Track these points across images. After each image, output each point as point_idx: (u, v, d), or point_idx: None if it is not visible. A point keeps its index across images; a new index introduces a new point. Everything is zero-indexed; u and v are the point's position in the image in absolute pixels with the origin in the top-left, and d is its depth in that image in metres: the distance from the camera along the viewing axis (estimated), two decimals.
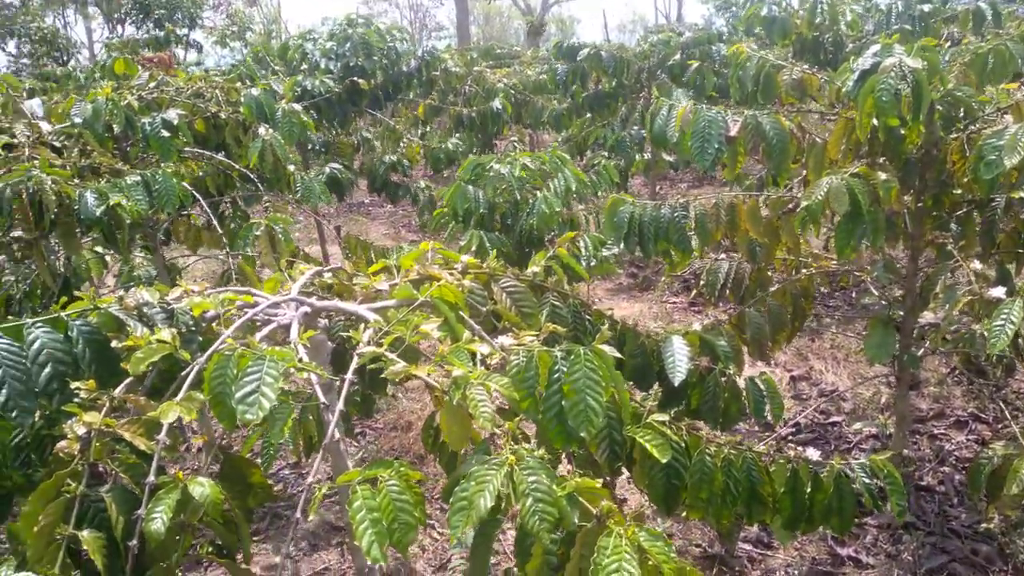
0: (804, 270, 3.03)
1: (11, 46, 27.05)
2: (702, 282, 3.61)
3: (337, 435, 1.68)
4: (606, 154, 6.72)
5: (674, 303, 5.87)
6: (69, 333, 1.66)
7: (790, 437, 3.92)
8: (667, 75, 6.21)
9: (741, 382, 2.52)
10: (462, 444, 1.70)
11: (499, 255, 3.81)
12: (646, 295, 6.10)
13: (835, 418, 4.03)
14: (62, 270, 3.45)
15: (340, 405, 1.66)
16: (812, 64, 5.60)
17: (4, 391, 1.52)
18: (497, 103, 6.58)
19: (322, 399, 1.69)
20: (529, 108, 8.05)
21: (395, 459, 1.49)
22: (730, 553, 3.04)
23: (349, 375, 1.63)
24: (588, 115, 6.99)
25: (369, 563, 2.09)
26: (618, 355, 1.61)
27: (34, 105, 4.35)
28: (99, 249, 3.68)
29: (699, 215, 3.07)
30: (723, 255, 3.72)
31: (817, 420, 4.03)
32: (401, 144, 6.31)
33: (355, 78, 5.06)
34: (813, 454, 1.99)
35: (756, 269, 3.41)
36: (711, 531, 3.13)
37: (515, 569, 1.50)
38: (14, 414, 1.54)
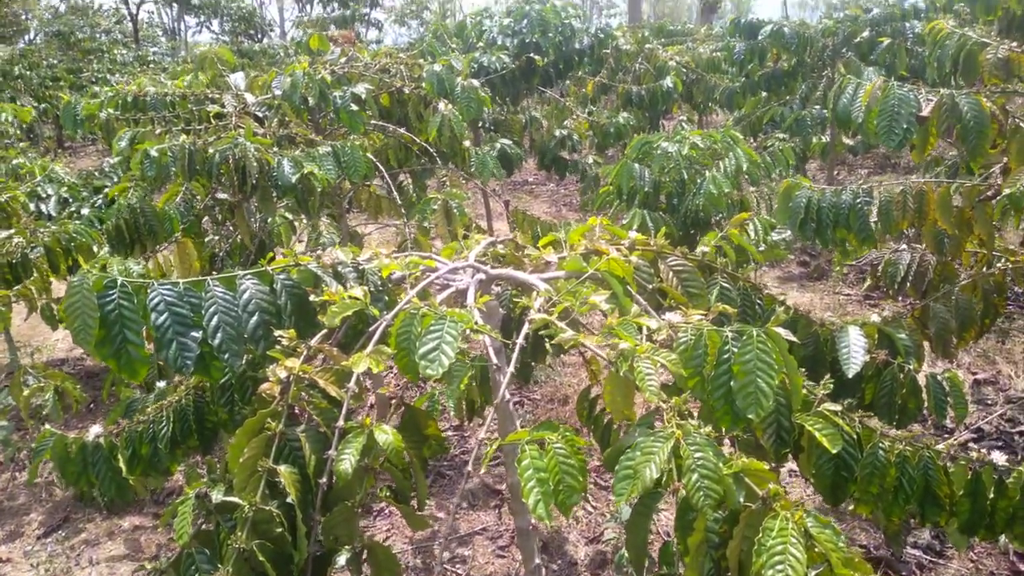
0: (998, 264, 2.80)
1: (215, 25, 29.44)
2: (880, 273, 3.43)
3: (507, 395, 1.75)
4: (781, 135, 6.46)
5: (848, 295, 5.58)
6: (274, 286, 1.83)
7: (971, 444, 3.66)
8: (854, 53, 5.86)
9: (921, 379, 2.39)
10: (622, 416, 1.74)
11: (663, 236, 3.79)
12: (818, 284, 5.84)
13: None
14: (258, 232, 3.76)
15: (511, 368, 1.73)
16: (1021, 43, 5.12)
17: (219, 335, 1.70)
18: (668, 81, 6.47)
19: (494, 360, 1.78)
20: (700, 86, 7.85)
21: (560, 424, 1.55)
22: (897, 557, 2.89)
23: (520, 339, 1.70)
24: (763, 94, 6.73)
25: (533, 521, 2.18)
26: (793, 338, 1.58)
27: (238, 78, 4.75)
28: (288, 215, 3.99)
29: (884, 202, 2.90)
30: (903, 245, 3.51)
31: (1003, 428, 3.73)
32: (568, 121, 6.36)
33: (530, 55, 5.14)
34: (999, 457, 1.86)
35: (942, 262, 3.19)
36: (877, 533, 2.99)
37: (673, 544, 1.52)
38: (226, 356, 1.72)
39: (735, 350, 1.54)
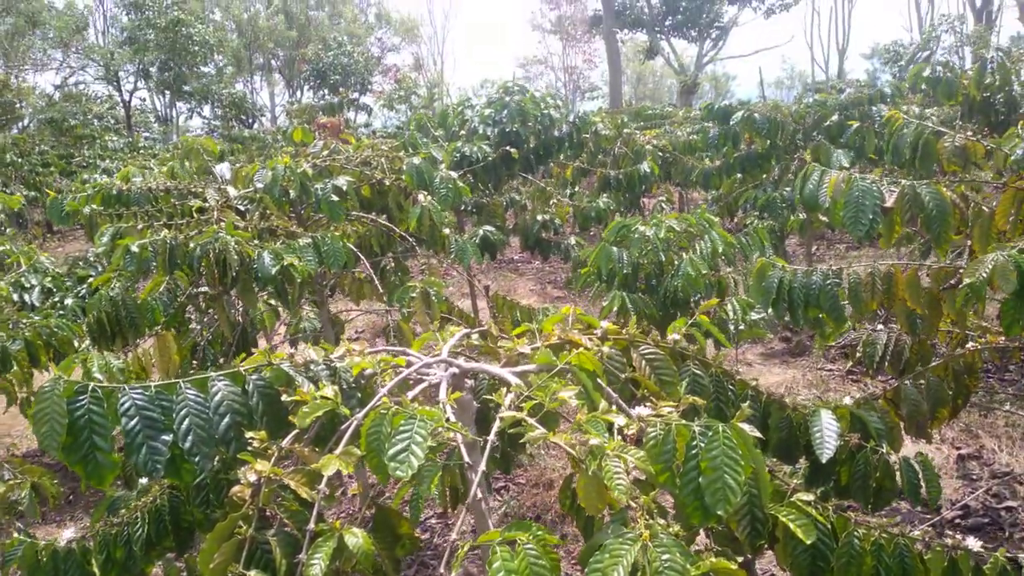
0: (971, 344, 2.84)
1: (206, 110, 30.10)
2: (859, 353, 3.47)
3: (480, 494, 1.75)
4: (757, 214, 6.60)
5: (830, 370, 5.62)
6: (246, 387, 1.84)
7: (958, 521, 3.64)
8: (824, 136, 6.05)
9: (896, 460, 2.40)
10: (598, 511, 1.74)
11: (642, 317, 3.83)
12: (800, 360, 5.87)
13: (1010, 503, 3.70)
14: (240, 320, 3.78)
15: (482, 466, 1.74)
16: (982, 125, 5.29)
17: (190, 438, 1.71)
18: (645, 165, 6.64)
19: (467, 458, 1.78)
20: (678, 167, 8.06)
21: (534, 521, 1.55)
22: None
23: (491, 437, 1.71)
24: (739, 175, 6.91)
25: None
26: (758, 434, 1.59)
27: (224, 168, 4.84)
28: (272, 302, 4.01)
29: (853, 283, 2.96)
30: (880, 325, 3.56)
31: (989, 504, 3.71)
32: (551, 204, 6.48)
33: (510, 145, 5.28)
34: (974, 544, 1.85)
35: (917, 341, 3.24)
36: None
37: None
38: (197, 459, 1.72)
39: (702, 446, 1.55)
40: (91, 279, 5.01)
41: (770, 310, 3.25)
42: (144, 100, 33.19)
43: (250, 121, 30.28)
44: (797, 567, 1.85)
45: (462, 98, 6.61)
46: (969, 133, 3.07)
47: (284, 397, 1.85)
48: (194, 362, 3.90)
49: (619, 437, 1.62)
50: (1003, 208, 2.67)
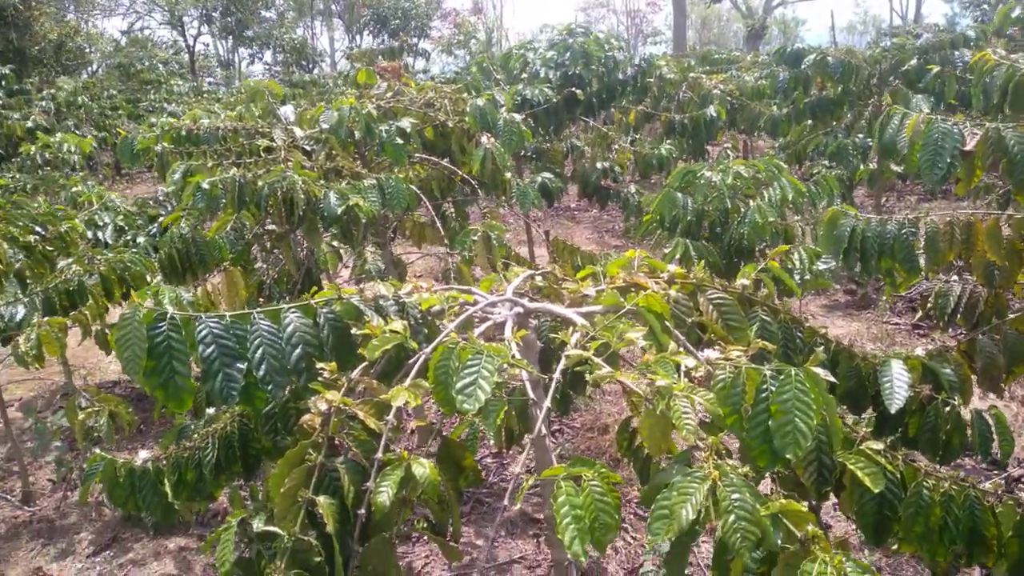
0: None
1: (267, 56, 30.30)
2: (929, 304, 3.37)
3: (544, 430, 1.77)
4: (826, 163, 6.40)
5: (896, 324, 5.48)
6: (317, 319, 1.87)
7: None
8: (902, 81, 5.79)
9: (967, 414, 2.34)
10: (661, 451, 1.74)
11: (706, 265, 3.77)
12: (865, 314, 5.74)
13: None
14: (304, 260, 3.84)
15: (547, 403, 1.75)
16: None
17: (263, 367, 1.75)
18: (711, 109, 6.47)
19: (531, 395, 1.79)
20: (745, 114, 7.82)
21: (596, 460, 1.55)
22: None
23: (556, 374, 1.72)
24: (808, 122, 6.68)
25: (569, 557, 2.17)
26: (832, 379, 1.56)
27: (287, 111, 4.88)
28: (335, 243, 4.07)
29: (930, 233, 2.86)
30: (954, 276, 3.44)
31: None
32: (612, 150, 6.38)
33: (573, 87, 5.19)
34: None
35: (993, 294, 3.13)
36: (925, 569, 2.92)
37: None
38: (270, 387, 1.77)
39: (773, 389, 1.53)
40: (161, 218, 5.14)
41: (840, 260, 3.17)
42: (208, 45, 33.57)
43: (310, 66, 30.37)
44: (863, 516, 1.82)
45: (523, 42, 6.49)
46: None
47: (353, 331, 1.88)
48: (260, 299, 4.00)
49: (686, 380, 1.60)
50: None
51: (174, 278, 3.71)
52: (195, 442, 2.33)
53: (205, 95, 18.93)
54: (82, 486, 2.75)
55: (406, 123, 3.57)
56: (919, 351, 2.50)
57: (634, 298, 1.87)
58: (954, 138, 2.52)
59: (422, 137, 3.73)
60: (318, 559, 1.61)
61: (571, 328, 1.79)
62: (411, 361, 1.92)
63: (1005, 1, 5.14)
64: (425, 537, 3.45)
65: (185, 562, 3.35)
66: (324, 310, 1.89)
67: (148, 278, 3.91)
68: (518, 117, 3.71)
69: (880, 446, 1.76)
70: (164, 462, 2.32)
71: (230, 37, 30.69)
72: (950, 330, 4.46)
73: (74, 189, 5.76)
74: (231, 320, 1.77)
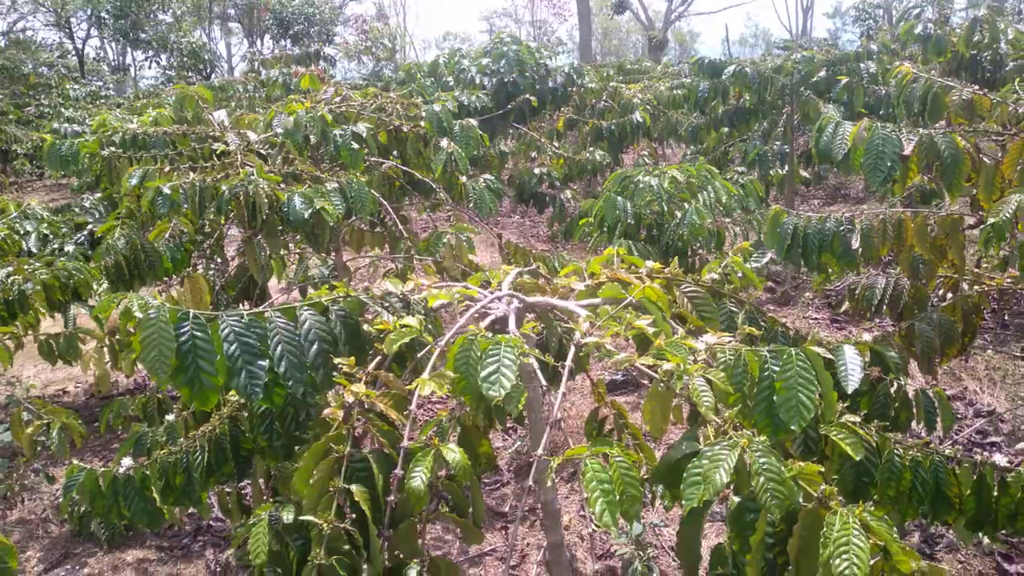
0: (976, 287, 3.03)
1: (163, 59, 29.18)
2: (856, 296, 3.64)
3: (559, 414, 1.87)
4: (741, 169, 6.75)
5: (816, 319, 5.84)
6: (328, 316, 1.92)
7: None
8: (812, 91, 6.18)
9: (910, 393, 2.58)
10: (662, 432, 1.87)
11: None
12: (785, 310, 6.08)
13: (993, 439, 3.95)
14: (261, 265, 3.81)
15: (563, 388, 1.85)
16: (969, 82, 5.48)
17: (284, 363, 1.79)
18: (637, 116, 6.72)
19: (543, 382, 1.89)
20: (661, 122, 8.15)
21: (613, 440, 1.66)
22: None
23: (569, 361, 1.83)
24: (725, 129, 7.03)
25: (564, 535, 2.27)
26: (828, 356, 1.72)
27: (221, 115, 4.81)
28: (291, 247, 4.04)
29: (865, 229, 3.12)
30: (879, 271, 3.73)
31: (974, 440, 3.96)
32: (536, 156, 6.54)
33: (515, 95, 5.31)
34: (1000, 459, 2.03)
35: (915, 286, 3.42)
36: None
37: (727, 545, 1.64)
38: (290, 383, 1.80)
39: (776, 368, 1.68)
40: (90, 226, 4.96)
41: (783, 255, 3.40)
42: (98, 49, 32.07)
43: (208, 71, 29.44)
44: (843, 482, 2.01)
45: (452, 50, 6.58)
46: (975, 87, 3.21)
47: (364, 327, 1.94)
48: (210, 307, 3.93)
49: (695, 362, 1.73)
50: (1011, 157, 2.82)
51: (121, 285, 3.62)
52: (182, 446, 2.32)
53: (103, 100, 18.13)
54: (63, 498, 2.67)
55: (362, 127, 3.61)
56: (866, 336, 2.73)
57: (633, 291, 2.00)
58: (894, 143, 2.77)
59: (376, 141, 3.77)
60: (347, 546, 1.66)
61: (580, 319, 1.89)
62: (419, 355, 1.99)
63: (890, 16, 5.57)
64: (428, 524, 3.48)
65: (146, 574, 3.27)
66: (335, 307, 1.93)
67: (94, 286, 3.80)
68: (474, 122, 3.80)
69: (857, 419, 1.94)
70: (148, 468, 2.30)
71: (122, 40, 29.40)
72: (873, 321, 4.81)
73: None
74: (249, 319, 1.79)
